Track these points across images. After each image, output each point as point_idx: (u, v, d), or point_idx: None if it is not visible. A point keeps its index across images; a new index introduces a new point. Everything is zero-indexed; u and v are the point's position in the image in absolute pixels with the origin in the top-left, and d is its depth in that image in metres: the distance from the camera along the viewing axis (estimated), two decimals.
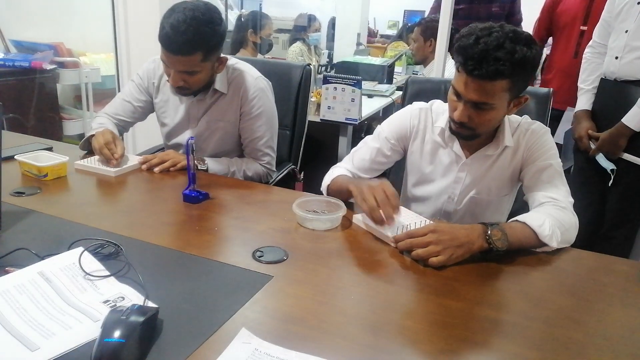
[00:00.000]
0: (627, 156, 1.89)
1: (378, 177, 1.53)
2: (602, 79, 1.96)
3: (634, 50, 1.81)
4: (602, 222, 2.06)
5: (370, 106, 2.89)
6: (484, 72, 1.10)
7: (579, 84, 2.06)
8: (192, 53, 1.40)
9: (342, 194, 1.31)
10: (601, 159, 1.93)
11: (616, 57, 1.86)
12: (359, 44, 5.45)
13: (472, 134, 1.26)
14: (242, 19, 3.51)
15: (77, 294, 0.85)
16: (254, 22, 3.50)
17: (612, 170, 1.90)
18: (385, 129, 1.43)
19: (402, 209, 1.32)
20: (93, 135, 1.55)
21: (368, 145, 1.45)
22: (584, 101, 2.02)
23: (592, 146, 1.95)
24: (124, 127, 1.72)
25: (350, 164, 1.46)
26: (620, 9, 1.85)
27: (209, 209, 1.27)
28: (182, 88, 1.50)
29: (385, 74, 3.50)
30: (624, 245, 2.04)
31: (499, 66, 1.09)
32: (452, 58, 1.21)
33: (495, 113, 1.20)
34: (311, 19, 4.61)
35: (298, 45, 4.29)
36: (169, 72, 1.47)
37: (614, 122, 1.87)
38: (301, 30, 4.44)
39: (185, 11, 1.38)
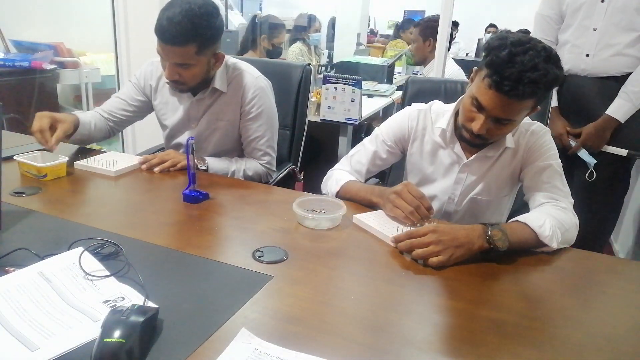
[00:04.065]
0: (611, 149, 1.92)
1: (374, 175, 1.55)
2: (567, 75, 1.97)
3: (608, 48, 1.84)
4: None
5: (370, 106, 2.89)
6: (520, 93, 1.10)
7: None
8: (185, 44, 1.40)
9: (359, 202, 1.33)
10: (584, 154, 1.94)
11: (587, 55, 1.89)
12: (359, 44, 5.46)
13: (485, 143, 1.28)
14: (257, 21, 3.52)
15: (77, 294, 0.85)
16: (269, 28, 3.53)
17: (593, 164, 1.93)
18: (383, 132, 1.44)
19: None
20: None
21: (366, 148, 1.46)
22: (551, 98, 2.01)
23: (572, 143, 1.97)
24: (117, 124, 1.71)
25: (349, 167, 1.47)
26: (579, 5, 1.87)
27: (209, 209, 1.27)
28: (177, 82, 1.50)
29: (385, 74, 3.50)
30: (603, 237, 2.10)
31: (534, 88, 1.09)
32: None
33: (513, 127, 1.23)
34: (311, 19, 4.62)
35: (298, 45, 4.29)
36: (164, 65, 1.47)
37: (588, 116, 1.91)
38: (301, 30, 4.45)
39: (182, 4, 1.39)
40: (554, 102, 2.01)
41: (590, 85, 1.92)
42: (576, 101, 1.97)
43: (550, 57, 1.10)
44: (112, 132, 1.73)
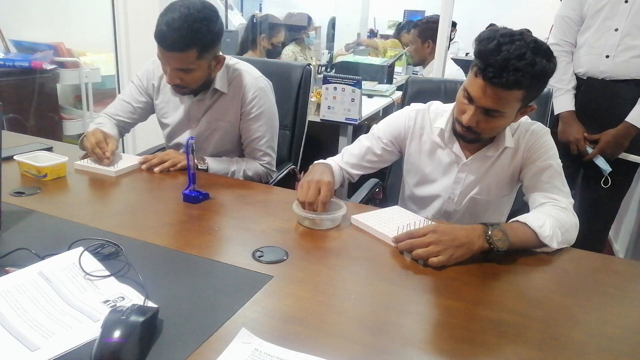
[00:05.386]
0: (632, 157, 1.87)
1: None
2: (585, 78, 1.93)
3: (630, 49, 1.80)
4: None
5: (370, 106, 2.89)
6: (504, 81, 1.09)
7: (553, 84, 1.98)
8: (186, 50, 1.40)
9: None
10: (600, 162, 1.90)
11: (607, 56, 1.84)
12: (359, 44, 5.45)
13: (477, 138, 1.27)
14: (255, 20, 3.52)
15: (77, 294, 0.85)
16: (268, 27, 3.52)
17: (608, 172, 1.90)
18: (380, 129, 1.45)
19: (400, 209, 1.32)
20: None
21: (360, 143, 1.47)
22: (568, 101, 1.97)
23: (589, 149, 1.92)
24: (124, 127, 1.72)
25: (340, 158, 1.48)
26: (602, 6, 1.84)
27: (209, 209, 1.27)
28: (179, 86, 1.50)
29: (385, 74, 3.50)
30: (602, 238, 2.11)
31: (518, 77, 1.09)
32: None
33: (504, 121, 1.21)
34: (310, 19, 4.59)
35: (290, 47, 4.16)
36: (165, 70, 1.47)
37: (606, 121, 1.87)
38: (295, 30, 4.38)
39: (180, 8, 1.38)
40: (572, 106, 1.96)
41: (609, 88, 1.87)
42: (593, 105, 1.91)
43: (539, 49, 1.10)
44: (121, 135, 1.74)
